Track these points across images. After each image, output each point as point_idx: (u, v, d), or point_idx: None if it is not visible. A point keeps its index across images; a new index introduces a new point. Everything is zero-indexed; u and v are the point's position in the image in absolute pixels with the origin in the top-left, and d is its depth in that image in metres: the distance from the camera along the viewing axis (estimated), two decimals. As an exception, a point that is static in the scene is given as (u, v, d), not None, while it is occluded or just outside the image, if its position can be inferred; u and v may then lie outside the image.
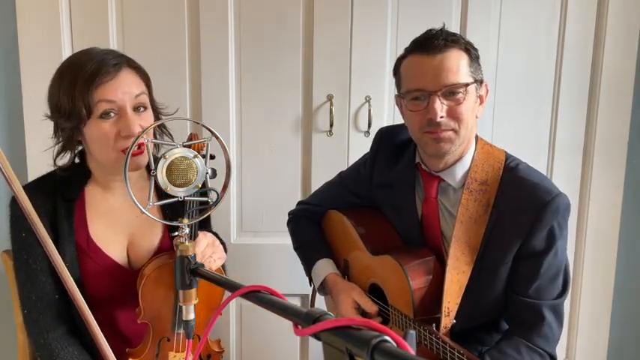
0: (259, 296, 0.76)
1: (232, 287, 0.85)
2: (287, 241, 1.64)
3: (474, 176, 1.26)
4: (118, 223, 1.29)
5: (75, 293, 0.91)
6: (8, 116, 1.84)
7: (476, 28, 1.83)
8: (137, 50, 1.75)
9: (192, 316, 1.02)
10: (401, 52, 1.29)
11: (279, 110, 1.87)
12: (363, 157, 1.54)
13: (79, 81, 1.14)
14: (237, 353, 2.02)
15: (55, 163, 1.27)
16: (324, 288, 1.49)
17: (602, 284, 1.99)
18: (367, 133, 1.86)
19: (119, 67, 1.17)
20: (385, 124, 1.69)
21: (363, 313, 1.38)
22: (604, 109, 1.88)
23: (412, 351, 0.53)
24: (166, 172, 0.96)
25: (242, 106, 1.87)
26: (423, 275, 1.26)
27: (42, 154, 1.30)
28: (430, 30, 1.24)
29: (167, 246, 1.32)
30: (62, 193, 1.25)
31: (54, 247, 0.89)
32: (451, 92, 1.19)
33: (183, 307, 1.01)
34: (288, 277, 1.89)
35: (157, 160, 0.98)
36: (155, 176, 0.95)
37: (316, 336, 0.62)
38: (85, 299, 0.92)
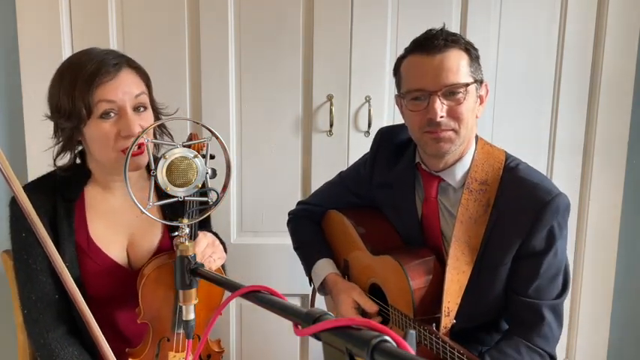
0: (259, 296, 0.76)
1: (232, 287, 0.85)
2: (287, 241, 1.64)
3: (474, 176, 1.26)
4: (118, 223, 1.29)
5: (75, 293, 0.91)
6: (8, 116, 1.84)
7: (476, 28, 1.83)
8: (137, 50, 1.75)
9: (192, 316, 1.02)
10: (401, 52, 1.29)
11: (279, 110, 1.87)
12: (363, 157, 1.54)
13: (79, 81, 1.14)
14: (237, 353, 2.02)
15: (55, 164, 1.27)
16: (324, 288, 1.49)
17: (602, 284, 1.99)
18: (367, 133, 1.86)
19: (119, 67, 1.17)
20: (385, 124, 1.69)
21: (363, 313, 1.38)
22: (604, 109, 1.88)
23: (412, 351, 0.53)
24: (166, 172, 0.96)
25: (242, 106, 1.87)
26: (423, 275, 1.26)
27: (42, 154, 1.30)
28: (430, 30, 1.24)
29: (167, 246, 1.32)
30: (62, 193, 1.25)
31: (54, 248, 0.89)
32: (451, 92, 1.19)
33: (183, 307, 1.01)
34: (288, 277, 1.89)
35: (156, 160, 0.98)
36: (155, 176, 0.95)
37: (316, 336, 0.62)
38: (84, 299, 0.92)
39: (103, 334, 0.95)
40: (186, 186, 0.98)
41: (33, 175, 1.64)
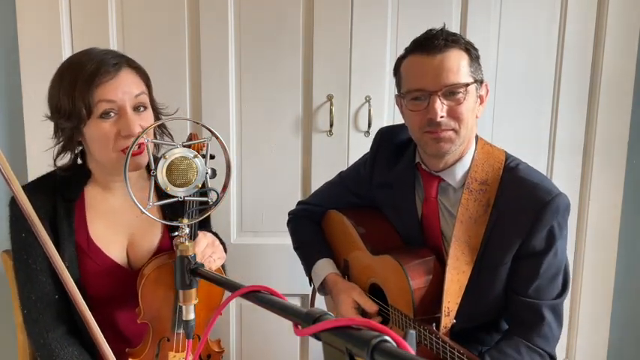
0: (259, 296, 0.76)
1: (232, 287, 0.85)
2: (287, 241, 1.64)
3: (474, 176, 1.27)
4: (118, 223, 1.29)
5: (74, 293, 0.91)
6: (8, 116, 1.84)
7: (476, 28, 1.83)
8: (137, 50, 1.75)
9: (192, 316, 1.02)
10: (401, 52, 1.29)
11: (279, 110, 1.87)
12: (363, 157, 1.54)
13: (79, 81, 1.14)
14: (237, 353, 2.02)
15: (55, 164, 1.27)
16: (324, 288, 1.49)
17: (602, 284, 1.99)
18: (367, 133, 1.86)
19: (119, 66, 1.17)
20: (385, 124, 1.69)
21: (363, 313, 1.38)
22: (604, 109, 1.88)
23: (412, 351, 0.53)
24: (166, 172, 0.96)
25: (242, 106, 1.87)
26: (423, 275, 1.26)
27: (42, 154, 1.30)
28: (430, 30, 1.24)
29: (167, 246, 1.32)
30: (62, 194, 1.25)
31: (53, 248, 0.89)
32: (451, 92, 1.19)
33: (183, 307, 1.01)
34: (288, 277, 1.89)
35: (156, 160, 0.98)
36: (155, 176, 0.95)
37: (316, 336, 0.62)
38: (84, 299, 0.92)
39: (103, 334, 0.95)
40: (186, 186, 0.98)
41: (33, 175, 1.64)
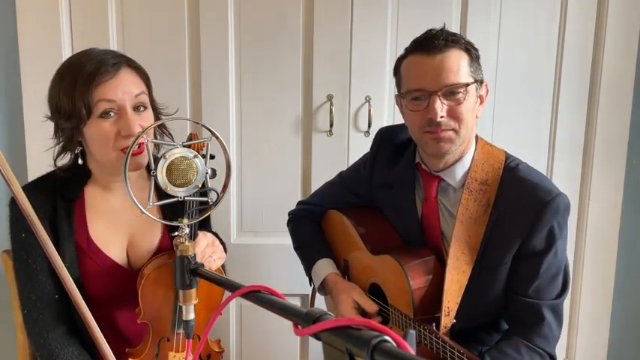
0: (259, 296, 0.76)
1: (232, 287, 0.85)
2: (287, 241, 1.64)
3: (474, 176, 1.27)
4: (118, 223, 1.29)
5: (74, 294, 0.91)
6: (8, 116, 1.84)
7: (476, 28, 1.83)
8: (137, 50, 1.75)
9: (192, 316, 1.02)
10: (401, 52, 1.29)
11: (279, 110, 1.87)
12: (363, 157, 1.54)
13: (79, 81, 1.14)
14: (237, 353, 2.02)
15: (55, 164, 1.27)
16: (324, 288, 1.49)
17: (602, 284, 1.99)
18: (367, 133, 1.86)
19: (118, 66, 1.17)
20: (385, 124, 1.69)
21: (363, 313, 1.38)
22: (604, 109, 1.88)
23: (412, 351, 0.53)
24: (166, 172, 0.96)
25: (242, 106, 1.87)
26: (423, 275, 1.26)
27: (42, 155, 1.30)
28: (430, 30, 1.24)
29: (167, 246, 1.32)
30: (62, 194, 1.25)
31: (53, 248, 0.89)
32: (451, 92, 1.19)
33: (183, 307, 1.01)
34: (288, 277, 1.89)
35: (156, 160, 0.98)
36: (155, 176, 0.95)
37: (316, 336, 0.62)
38: (84, 299, 0.92)
39: (103, 334, 0.95)
40: (186, 186, 0.98)
41: (33, 175, 1.64)
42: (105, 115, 1.15)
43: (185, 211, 1.12)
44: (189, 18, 1.82)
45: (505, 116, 1.89)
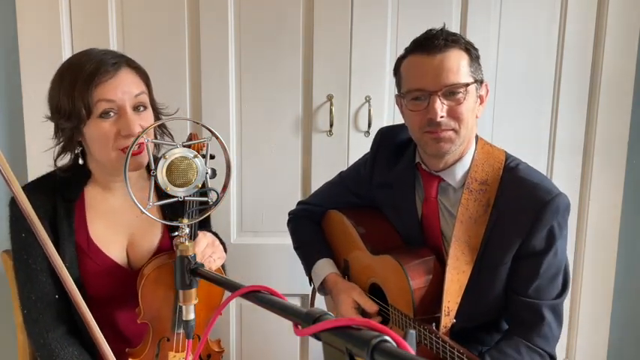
0: (259, 296, 0.76)
1: (232, 287, 0.85)
2: (287, 241, 1.64)
3: (474, 176, 1.27)
4: (118, 223, 1.29)
5: (74, 294, 0.91)
6: (8, 116, 1.84)
7: (476, 28, 1.83)
8: (137, 50, 1.75)
9: (192, 316, 1.02)
10: (401, 52, 1.29)
11: (279, 110, 1.87)
12: (363, 157, 1.54)
13: (79, 81, 1.14)
14: (237, 353, 2.02)
15: (55, 164, 1.27)
16: (324, 288, 1.49)
17: (602, 284, 1.99)
18: (367, 133, 1.86)
19: (118, 66, 1.17)
20: (385, 124, 1.69)
21: (363, 313, 1.38)
22: (604, 109, 1.88)
23: (412, 351, 0.53)
24: (166, 172, 0.96)
25: (242, 106, 1.87)
26: (423, 275, 1.26)
27: (42, 155, 1.30)
28: (430, 30, 1.24)
29: (167, 246, 1.32)
30: (62, 194, 1.25)
31: (53, 248, 0.89)
32: (451, 92, 1.19)
33: (183, 307, 1.01)
34: (288, 277, 1.89)
35: (156, 160, 0.98)
36: (155, 176, 0.95)
37: (316, 336, 0.62)
38: (84, 299, 0.92)
39: (103, 334, 0.95)
40: (186, 186, 0.98)
41: (33, 175, 1.64)
42: (105, 115, 1.15)
43: (185, 211, 1.12)
44: (189, 18, 1.82)
45: (505, 116, 1.89)
